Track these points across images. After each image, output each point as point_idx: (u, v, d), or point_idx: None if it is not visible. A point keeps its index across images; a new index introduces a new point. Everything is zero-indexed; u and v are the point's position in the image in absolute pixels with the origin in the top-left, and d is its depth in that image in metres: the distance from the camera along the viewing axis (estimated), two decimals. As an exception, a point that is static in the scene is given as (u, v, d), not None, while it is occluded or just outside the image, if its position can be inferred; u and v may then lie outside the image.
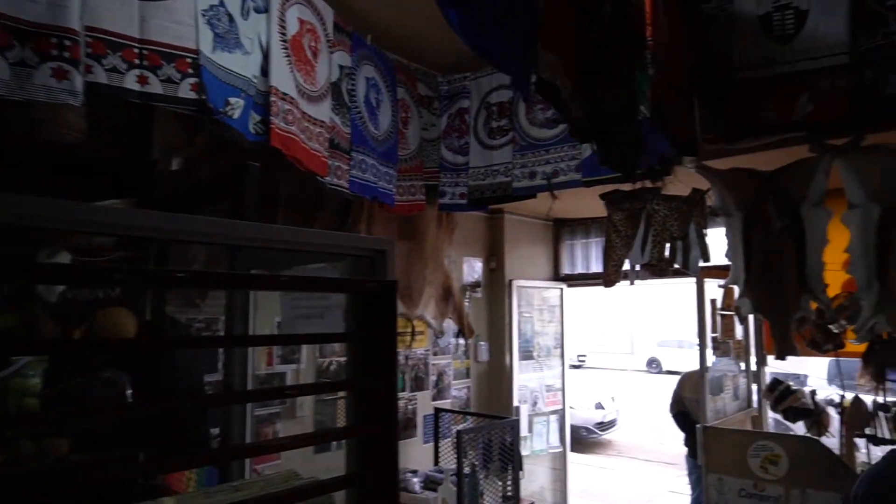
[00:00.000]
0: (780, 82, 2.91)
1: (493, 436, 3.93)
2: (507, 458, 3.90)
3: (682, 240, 3.32)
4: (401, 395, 4.41)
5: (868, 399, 3.72)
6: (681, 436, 4.83)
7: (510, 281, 5.22)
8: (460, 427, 4.07)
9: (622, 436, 11.02)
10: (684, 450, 4.78)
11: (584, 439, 10.35)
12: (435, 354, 4.73)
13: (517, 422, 4.23)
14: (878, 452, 3.74)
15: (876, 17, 2.68)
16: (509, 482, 3.93)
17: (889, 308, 2.64)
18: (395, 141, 3.79)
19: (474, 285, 5.10)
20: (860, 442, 3.73)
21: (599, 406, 10.61)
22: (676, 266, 3.35)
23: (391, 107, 3.76)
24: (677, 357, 18.62)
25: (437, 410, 4.55)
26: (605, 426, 10.57)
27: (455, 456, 3.72)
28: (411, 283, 4.36)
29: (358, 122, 3.45)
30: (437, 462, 4.42)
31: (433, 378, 4.67)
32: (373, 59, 3.61)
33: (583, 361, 21.07)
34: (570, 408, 10.13)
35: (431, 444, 4.51)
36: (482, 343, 5.14)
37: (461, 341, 4.89)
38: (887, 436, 3.64)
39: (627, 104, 1.77)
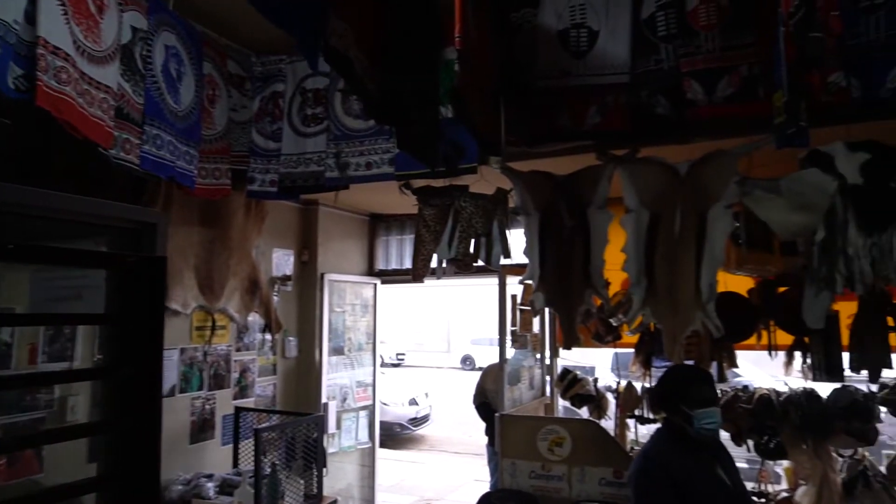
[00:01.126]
0: (574, 93, 3.17)
1: (296, 433, 3.79)
2: (311, 456, 3.79)
3: (486, 236, 3.47)
4: (198, 394, 4.09)
5: (638, 385, 4.21)
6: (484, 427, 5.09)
7: (322, 275, 5.11)
8: (262, 426, 3.87)
9: (435, 430, 11.38)
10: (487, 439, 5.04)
11: (398, 435, 10.51)
12: (238, 350, 4.46)
13: (322, 418, 4.14)
14: (644, 430, 4.25)
15: (649, 45, 3.03)
16: (313, 480, 3.82)
17: (653, 302, 2.97)
18: (197, 118, 3.50)
19: (284, 278, 4.90)
20: (631, 422, 4.20)
21: (413, 402, 10.84)
22: (480, 262, 3.50)
23: (195, 81, 3.47)
24: (489, 354, 19.68)
25: (238, 409, 4.30)
26: (418, 422, 10.83)
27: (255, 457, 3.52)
28: (213, 273, 4.06)
29: (154, 92, 3.13)
30: (236, 464, 4.17)
31: (235, 375, 4.40)
32: (175, 26, 3.30)
33: (402, 360, 21.45)
34: (384, 404, 10.27)
35: (231, 446, 4.24)
36: (291, 338, 4.96)
37: (268, 337, 4.67)
38: (653, 416, 4.14)
39: (427, 90, 1.78)
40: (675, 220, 2.92)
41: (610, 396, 4.33)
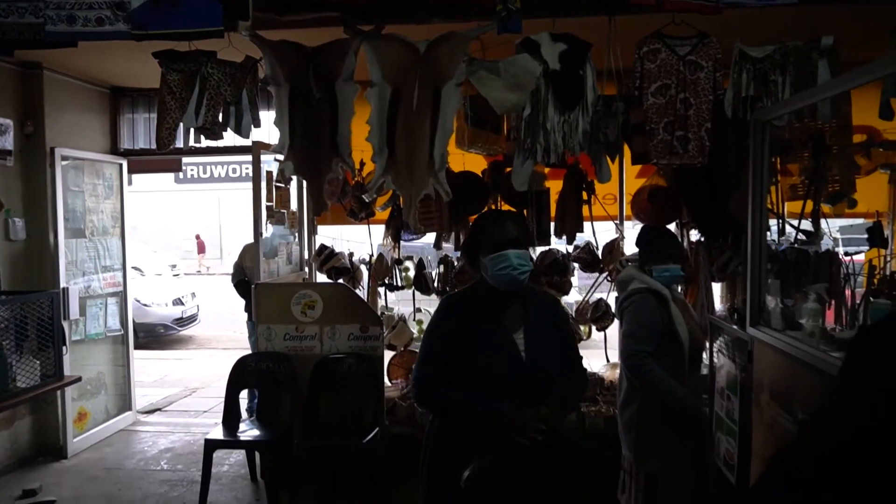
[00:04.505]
0: (321, -38, 3.20)
1: (27, 312, 3.53)
2: (47, 335, 3.58)
3: (235, 105, 3.44)
4: None
5: (388, 256, 4.62)
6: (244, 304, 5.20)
7: (53, 149, 4.57)
8: (-17, 308, 3.51)
9: (202, 330, 11.08)
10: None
11: (163, 336, 10.07)
12: (-54, 230, 3.89)
13: (57, 294, 3.87)
14: (393, 297, 4.73)
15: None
16: (51, 360, 3.62)
17: (393, 170, 3.28)
18: None
19: (3, 152, 4.30)
20: (381, 290, 4.64)
21: (178, 302, 10.38)
22: (229, 129, 3.47)
23: None
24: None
25: (-47, 295, 3.81)
26: (184, 322, 10.43)
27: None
28: None
29: None
30: (-47, 354, 3.75)
31: (-56, 258, 3.86)
32: None
33: (176, 273, 20.10)
34: (145, 305, 9.71)
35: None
36: (16, 219, 4.43)
37: (-15, 216, 4.13)
38: (400, 283, 4.61)
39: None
40: (413, 95, 3.20)
41: (363, 268, 4.69)
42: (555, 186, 4.39)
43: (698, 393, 2.90)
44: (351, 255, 4.73)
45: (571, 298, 4.56)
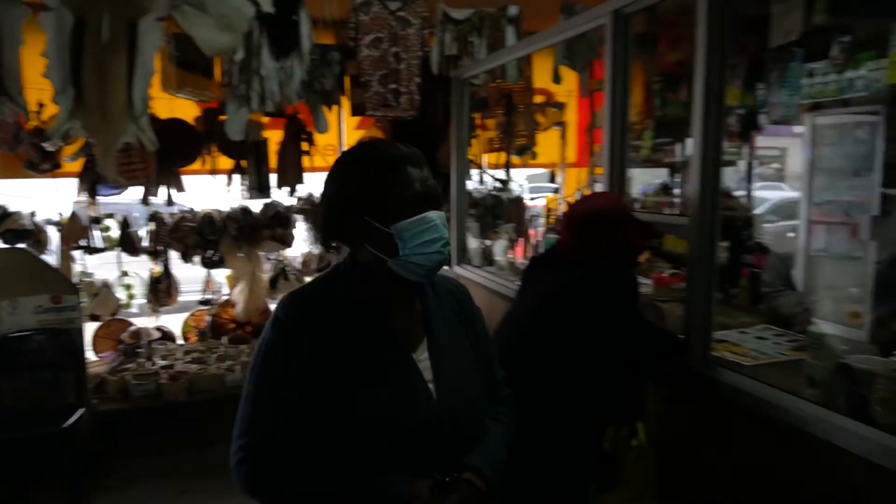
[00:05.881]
0: None
1: None
2: None
3: None
4: None
5: (84, 214, 4.02)
6: None
7: None
8: None
9: None
10: None
11: None
12: None
13: None
14: (92, 260, 4.16)
15: None
16: None
17: (82, 114, 2.84)
18: None
19: None
20: (77, 254, 4.03)
21: None
22: None
23: None
24: None
25: None
26: None
27: None
28: None
29: None
30: None
31: None
32: None
33: None
34: None
35: None
36: None
37: None
38: (101, 245, 4.07)
39: None
40: (102, 27, 2.78)
41: (51, 229, 4.02)
42: (274, 136, 4.27)
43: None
44: (33, 214, 4.00)
45: (297, 251, 4.54)
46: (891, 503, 1.17)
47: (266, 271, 4.26)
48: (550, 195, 4.43)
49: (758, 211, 5.16)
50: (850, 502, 1.26)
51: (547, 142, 4.67)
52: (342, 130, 4.59)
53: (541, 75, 4.18)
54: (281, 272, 4.32)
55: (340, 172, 1.16)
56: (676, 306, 2.07)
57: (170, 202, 4.18)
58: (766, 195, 8.29)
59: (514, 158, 4.42)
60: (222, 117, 4.05)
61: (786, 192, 9.19)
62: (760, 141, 3.92)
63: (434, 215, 1.10)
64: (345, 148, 4.60)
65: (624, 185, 2.02)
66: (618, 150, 1.96)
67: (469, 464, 1.12)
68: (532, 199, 4.96)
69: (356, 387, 1.10)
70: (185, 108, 4.10)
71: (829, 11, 2.75)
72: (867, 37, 2.92)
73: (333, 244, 1.20)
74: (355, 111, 3.78)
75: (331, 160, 4.57)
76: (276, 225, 4.18)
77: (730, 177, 4.00)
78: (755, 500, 1.50)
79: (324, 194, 1.17)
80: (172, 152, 3.94)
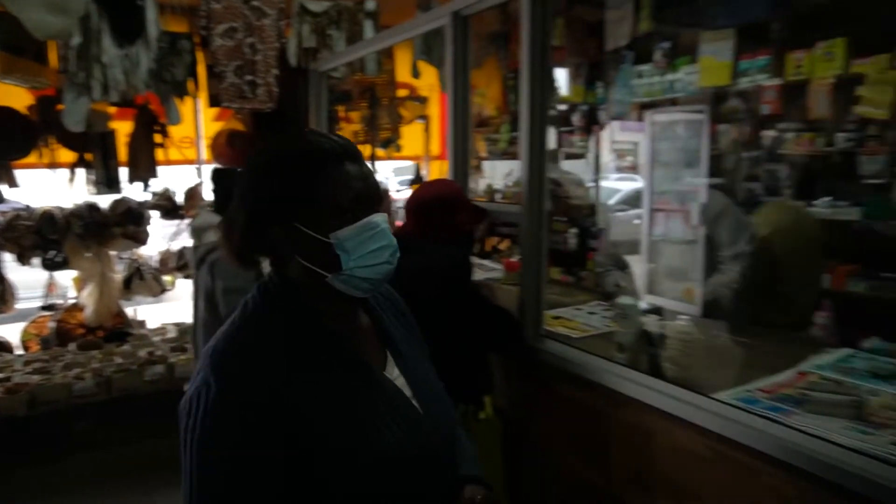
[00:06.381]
0: None
1: None
2: None
3: None
4: None
5: None
6: None
7: None
8: None
9: None
10: None
11: None
12: None
13: None
14: None
15: None
16: None
17: None
18: None
19: None
20: None
21: None
22: None
23: None
24: None
25: None
26: None
27: None
28: None
29: None
30: None
31: None
32: None
33: None
34: None
35: None
36: None
37: None
38: None
39: None
40: None
41: None
42: (123, 128, 4.02)
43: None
44: None
45: (153, 250, 4.29)
46: (673, 444, 1.37)
47: (118, 271, 4.01)
48: (415, 185, 4.55)
49: (612, 201, 5.60)
50: (646, 447, 1.45)
51: (411, 135, 4.77)
52: (199, 122, 4.41)
53: (403, 69, 4.27)
54: (136, 272, 4.09)
55: (261, 171, 0.95)
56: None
57: (0, 199, 3.81)
58: (620, 186, 8.99)
59: (379, 151, 4.48)
60: (60, 106, 3.77)
61: (637, 183, 9.98)
62: (617, 135, 4.25)
63: (379, 219, 0.94)
64: (205, 140, 4.42)
65: (467, 176, 2.14)
66: (460, 144, 2.08)
67: (469, 474, 1.06)
68: (398, 191, 5.06)
69: (348, 434, 0.90)
70: (17, 95, 3.74)
71: (653, 19, 3.07)
72: (685, 43, 3.29)
73: (255, 258, 0.99)
74: (212, 102, 3.66)
75: (188, 153, 4.45)
76: (128, 222, 3.94)
77: (580, 168, 4.33)
78: (586, 457, 1.68)
79: (241, 198, 0.96)
80: (3, 143, 3.61)
